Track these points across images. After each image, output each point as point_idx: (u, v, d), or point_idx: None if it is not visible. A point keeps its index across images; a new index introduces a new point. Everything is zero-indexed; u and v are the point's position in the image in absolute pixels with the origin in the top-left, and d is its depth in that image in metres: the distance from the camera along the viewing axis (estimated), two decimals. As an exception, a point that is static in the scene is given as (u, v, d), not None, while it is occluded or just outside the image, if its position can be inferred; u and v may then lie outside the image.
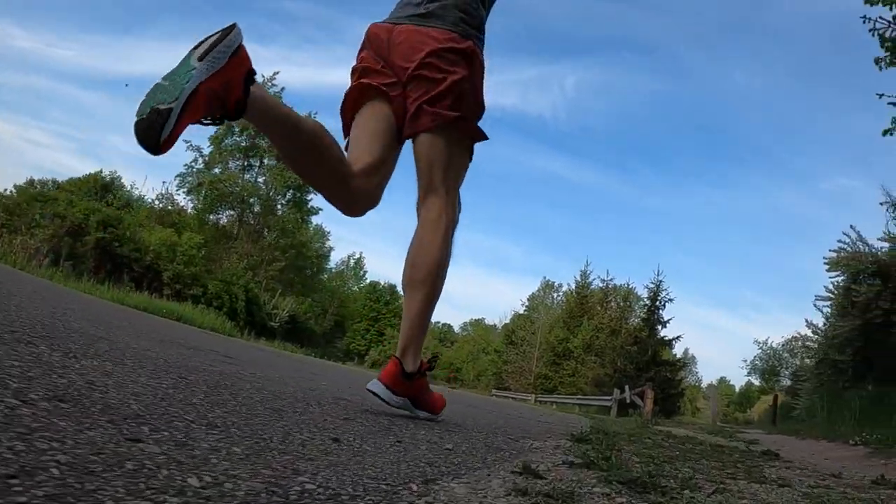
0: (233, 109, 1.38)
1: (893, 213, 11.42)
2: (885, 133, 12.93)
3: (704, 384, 57.80)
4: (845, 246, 10.26)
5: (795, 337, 34.68)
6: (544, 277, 51.61)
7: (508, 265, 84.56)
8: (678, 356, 27.78)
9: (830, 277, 11.09)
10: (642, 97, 79.44)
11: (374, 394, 1.80)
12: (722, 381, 68.67)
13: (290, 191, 26.54)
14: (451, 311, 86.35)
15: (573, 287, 35.80)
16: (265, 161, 26.22)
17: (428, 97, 1.79)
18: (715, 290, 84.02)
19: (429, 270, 1.84)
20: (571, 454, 1.82)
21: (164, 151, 1.24)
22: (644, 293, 26.73)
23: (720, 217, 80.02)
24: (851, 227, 10.64)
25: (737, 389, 58.27)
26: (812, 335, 10.69)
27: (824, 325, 10.38)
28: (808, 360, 29.35)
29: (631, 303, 31.78)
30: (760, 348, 35.42)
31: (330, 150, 1.64)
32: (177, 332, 4.83)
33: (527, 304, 42.58)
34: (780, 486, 2.06)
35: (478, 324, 63.16)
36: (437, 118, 1.79)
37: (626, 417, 17.47)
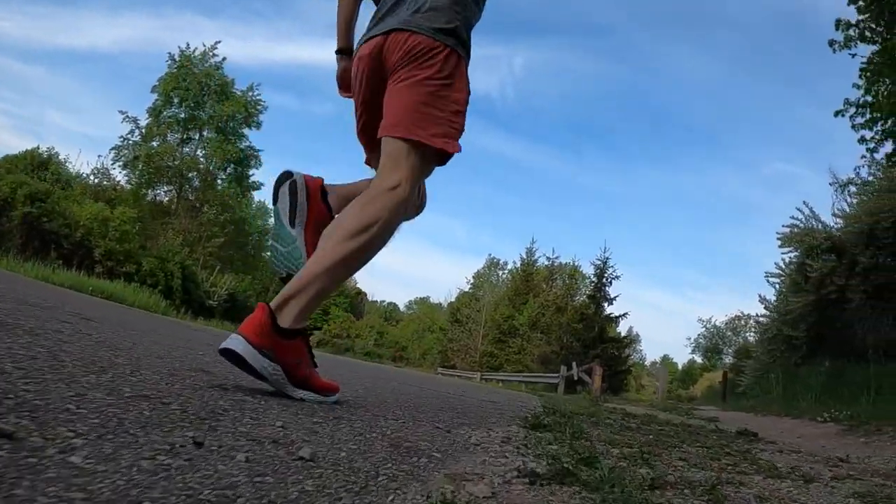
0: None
1: (841, 193, 11.42)
2: (836, 114, 12.97)
3: (648, 362, 59.46)
4: (798, 222, 10.12)
5: (738, 316, 35.79)
6: (489, 255, 51.57)
7: (454, 243, 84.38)
8: (622, 334, 27.91)
9: (783, 253, 11.00)
10: (591, 79, 79.93)
11: (231, 352, 1.32)
12: (665, 358, 70.96)
13: (231, 165, 25.46)
14: (396, 289, 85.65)
15: (518, 265, 35.68)
16: (205, 133, 25.00)
17: None
18: (657, 270, 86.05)
19: (351, 223, 1.57)
20: (530, 453, 1.19)
21: None
22: (590, 270, 26.73)
23: (664, 199, 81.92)
24: (805, 203, 10.54)
25: (679, 367, 60.19)
26: (765, 311, 10.53)
27: (775, 301, 10.24)
28: (752, 338, 30.32)
29: (577, 280, 31.86)
30: (704, 326, 36.33)
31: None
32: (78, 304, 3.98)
33: (472, 282, 42.37)
34: (806, 483, 1.54)
35: (423, 302, 62.90)
36: None
37: (575, 395, 17.30)
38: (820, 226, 9.69)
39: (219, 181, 25.95)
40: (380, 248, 1.59)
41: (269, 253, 1.82)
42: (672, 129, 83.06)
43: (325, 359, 7.94)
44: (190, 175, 24.73)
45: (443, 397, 3.02)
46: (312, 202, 1.72)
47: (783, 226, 10.21)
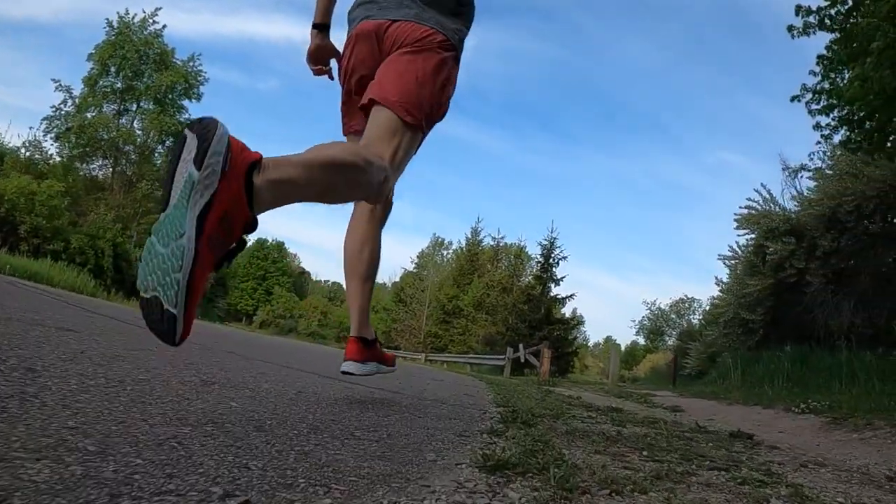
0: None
1: (793, 179, 11.28)
2: (792, 99, 12.89)
3: (591, 343, 60.65)
4: (755, 204, 9.87)
5: (683, 299, 36.60)
6: (434, 234, 51.05)
7: (399, 223, 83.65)
8: (567, 315, 27.85)
9: (739, 235, 10.78)
10: (538, 62, 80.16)
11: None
12: (608, 340, 72.74)
13: (170, 139, 24.25)
14: (340, 269, 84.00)
15: (463, 245, 35.20)
16: (142, 105, 23.79)
17: None
18: (599, 253, 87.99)
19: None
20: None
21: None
22: (536, 251, 26.46)
23: (609, 183, 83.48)
24: (762, 185, 10.31)
25: (622, 348, 61.71)
26: (720, 294, 10.27)
27: (728, 283, 9.98)
28: (696, 321, 30.92)
29: (522, 261, 31.63)
30: (649, 309, 36.94)
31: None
32: None
33: (416, 261, 41.72)
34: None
35: (366, 281, 61.85)
36: None
37: (523, 377, 16.95)
38: (777, 209, 9.45)
39: (156, 155, 24.84)
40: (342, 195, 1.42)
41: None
42: (618, 115, 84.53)
43: (263, 342, 7.14)
44: (126, 148, 23.55)
45: (375, 394, 2.32)
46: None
47: (740, 207, 9.95)
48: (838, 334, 6.49)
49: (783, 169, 13.94)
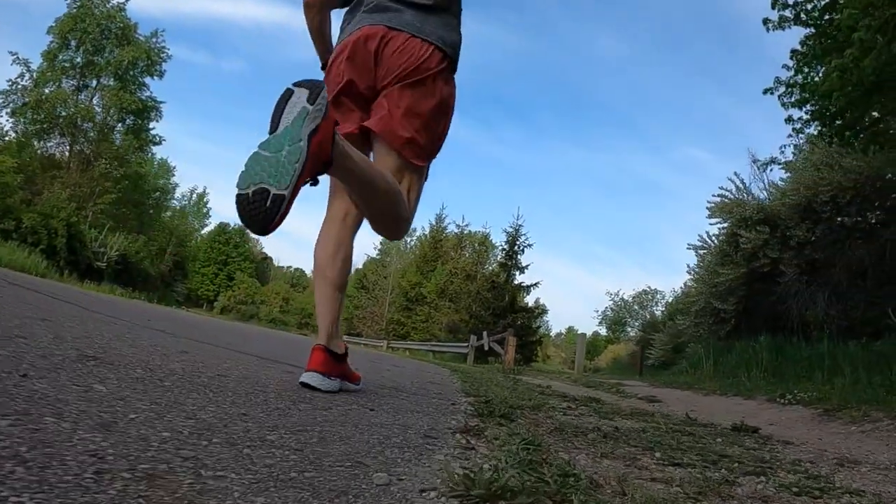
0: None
1: (762, 171, 11.20)
2: (765, 92, 12.82)
3: (553, 333, 61.15)
4: (728, 193, 9.71)
5: (646, 290, 37.00)
6: None
7: None
8: (531, 304, 27.64)
9: (711, 224, 10.65)
10: (509, 54, 79.81)
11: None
12: (570, 330, 73.58)
13: (131, 117, 23.30)
14: (302, 255, 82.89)
15: (427, 231, 34.64)
16: (102, 80, 22.51)
17: None
18: (563, 243, 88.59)
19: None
20: None
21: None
22: (501, 238, 26.14)
23: (576, 175, 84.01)
24: (735, 174, 10.17)
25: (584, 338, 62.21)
26: (692, 283, 10.09)
27: (698, 272, 9.80)
28: (658, 312, 31.23)
29: (487, 248, 31.32)
30: (612, 300, 37.17)
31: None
32: None
33: (379, 247, 41.03)
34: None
35: (330, 268, 61.07)
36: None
37: (487, 366, 16.64)
38: (750, 198, 9.31)
39: (116, 134, 23.65)
40: None
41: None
42: (587, 108, 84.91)
43: (210, 324, 6.55)
44: (84, 126, 22.28)
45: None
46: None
47: (713, 195, 9.78)
48: (814, 325, 6.31)
49: (753, 162, 13.92)
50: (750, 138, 58.66)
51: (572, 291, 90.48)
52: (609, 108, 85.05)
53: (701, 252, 10.44)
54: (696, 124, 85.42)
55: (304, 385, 1.66)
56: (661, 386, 6.61)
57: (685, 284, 15.42)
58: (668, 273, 78.58)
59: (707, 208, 9.78)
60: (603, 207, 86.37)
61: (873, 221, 7.34)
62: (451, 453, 1.01)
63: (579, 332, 67.28)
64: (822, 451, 2.24)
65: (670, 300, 30.59)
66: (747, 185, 9.76)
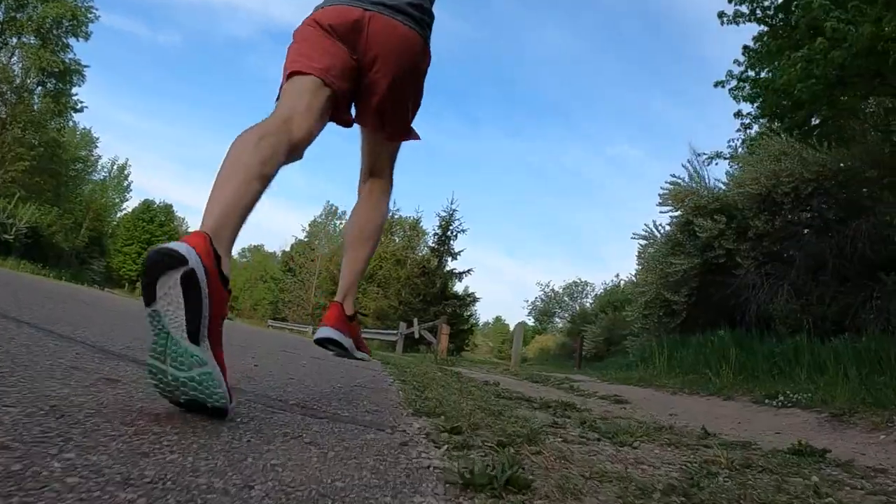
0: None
1: (707, 165, 10.97)
2: (716, 84, 12.74)
3: (481, 322, 61.35)
4: (679, 181, 9.33)
5: (576, 282, 37.39)
6: (328, 202, 48.82)
7: (289, 188, 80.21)
8: (460, 292, 27.08)
9: (661, 213, 10.26)
10: (449, 40, 79.13)
11: (331, 339, 1.58)
12: (497, 319, 74.25)
13: (52, 80, 21.55)
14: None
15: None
16: (23, 38, 20.76)
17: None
18: (493, 233, 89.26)
19: (378, 227, 1.87)
20: None
21: None
22: (434, 223, 25.37)
23: (506, 165, 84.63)
24: (689, 161, 9.83)
25: (510, 329, 63.06)
26: (643, 273, 9.64)
27: (648, 261, 9.37)
28: (588, 304, 31.50)
29: (418, 233, 30.53)
30: (542, 290, 37.32)
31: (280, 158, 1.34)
32: None
33: (307, 230, 39.40)
34: None
35: (257, 250, 58.69)
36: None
37: (418, 354, 15.87)
38: (704, 188, 8.95)
39: (35, 98, 21.93)
40: None
41: (152, 378, 0.96)
42: (524, 99, 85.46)
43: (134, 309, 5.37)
44: (1, 88, 20.57)
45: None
46: (215, 293, 1.00)
47: (666, 182, 9.38)
48: (779, 320, 5.92)
49: (697, 155, 13.79)
50: (684, 139, 60.70)
51: (498, 281, 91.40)
52: (547, 101, 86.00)
53: (645, 242, 10.04)
54: (631, 122, 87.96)
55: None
56: (615, 382, 6.03)
57: (631, 275, 15.18)
58: (596, 267, 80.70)
59: (659, 195, 9.38)
60: (533, 199, 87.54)
61: (832, 217, 7.08)
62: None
63: (504, 321, 67.94)
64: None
65: (600, 293, 31.04)
66: (700, 174, 9.46)
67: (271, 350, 3.65)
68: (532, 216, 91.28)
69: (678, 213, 8.85)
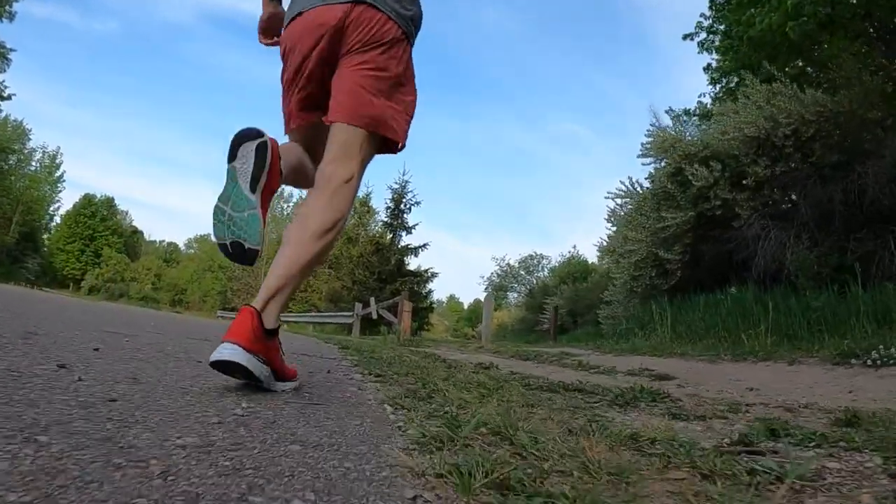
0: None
1: (679, 121, 10.38)
2: (685, 38, 12.23)
3: (435, 301, 60.71)
4: (663, 129, 8.59)
5: (531, 255, 36.99)
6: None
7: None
8: (421, 267, 26.05)
9: (644, 165, 9.53)
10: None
11: (234, 365, 1.26)
12: (451, 298, 73.79)
13: None
14: (177, 228, 76.41)
15: (304, 195, 31.85)
16: None
17: None
18: (441, 213, 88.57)
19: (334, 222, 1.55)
20: None
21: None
22: (386, 197, 24.16)
23: (450, 145, 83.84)
24: (670, 107, 9.14)
25: (465, 307, 62.83)
26: (630, 231, 8.85)
27: (633, 220, 8.61)
28: (544, 277, 31.08)
29: (369, 211, 29.35)
30: (498, 265, 36.70)
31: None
32: None
33: (251, 213, 37.65)
34: None
35: (204, 240, 56.09)
36: None
37: (378, 336, 14.78)
38: (688, 136, 8.25)
39: None
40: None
41: (215, 218, 1.42)
42: (464, 77, 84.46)
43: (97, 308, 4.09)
44: None
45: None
46: (273, 169, 1.43)
47: (646, 133, 8.63)
48: (803, 272, 5.25)
49: (666, 111, 13.13)
50: (626, 116, 61.16)
51: (449, 261, 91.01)
52: (488, 79, 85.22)
53: (622, 201, 9.29)
54: (574, 100, 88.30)
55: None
56: (623, 354, 5.22)
57: (602, 239, 14.47)
58: (547, 241, 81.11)
59: (642, 144, 8.61)
60: (478, 177, 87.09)
61: (835, 160, 6.48)
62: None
63: (458, 299, 67.51)
64: None
65: (556, 265, 30.60)
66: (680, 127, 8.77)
67: (188, 339, 2.62)
68: (477, 195, 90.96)
69: (663, 164, 8.12)
